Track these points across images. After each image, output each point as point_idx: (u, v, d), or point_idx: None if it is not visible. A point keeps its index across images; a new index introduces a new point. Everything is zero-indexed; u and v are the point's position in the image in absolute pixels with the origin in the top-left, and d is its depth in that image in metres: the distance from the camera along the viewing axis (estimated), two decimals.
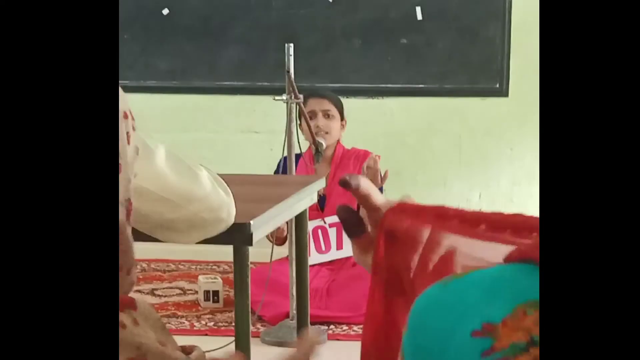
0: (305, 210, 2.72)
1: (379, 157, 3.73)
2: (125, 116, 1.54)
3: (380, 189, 3.87)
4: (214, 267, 4.74)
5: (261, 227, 2.12)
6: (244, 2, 5.06)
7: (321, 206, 3.94)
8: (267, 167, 4.29)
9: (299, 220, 2.75)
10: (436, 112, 5.05)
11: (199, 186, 1.88)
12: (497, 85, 4.97)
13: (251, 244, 2.06)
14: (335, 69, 5.04)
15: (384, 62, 5.01)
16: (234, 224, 1.95)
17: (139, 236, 1.90)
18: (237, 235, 2.04)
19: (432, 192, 5.07)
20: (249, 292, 2.14)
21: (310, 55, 4.83)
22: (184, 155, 1.91)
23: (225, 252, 4.32)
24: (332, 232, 3.95)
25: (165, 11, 5.11)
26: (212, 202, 1.90)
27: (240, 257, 2.10)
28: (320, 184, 2.75)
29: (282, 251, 3.85)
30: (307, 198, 2.61)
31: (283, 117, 3.67)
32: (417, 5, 4.96)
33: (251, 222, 2.05)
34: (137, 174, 1.73)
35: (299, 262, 2.78)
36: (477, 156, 5.07)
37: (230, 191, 1.97)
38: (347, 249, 3.95)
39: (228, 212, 1.95)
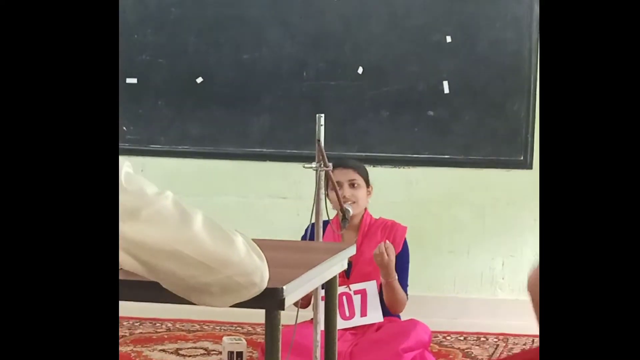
0: (336, 276, 2.80)
1: (386, 250, 3.83)
2: None
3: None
4: (238, 328, 4.81)
5: (293, 292, 2.18)
6: (275, 72, 5.21)
7: (347, 273, 4.02)
8: (294, 232, 4.38)
9: (329, 286, 2.82)
10: (461, 182, 5.14)
11: (234, 251, 1.94)
12: (522, 158, 5.07)
13: (283, 309, 2.11)
14: (363, 138, 5.15)
15: (411, 133, 5.13)
16: (267, 289, 2.01)
17: (165, 297, 1.98)
18: (270, 300, 2.10)
19: (455, 260, 5.14)
20: (280, 356, 2.19)
21: (339, 125, 4.94)
22: (219, 220, 1.99)
23: (250, 314, 4.37)
24: (357, 299, 4.01)
25: (199, 79, 5.27)
26: (246, 266, 1.96)
27: (272, 321, 2.15)
28: (350, 252, 2.83)
29: (306, 314, 3.92)
30: (337, 265, 2.69)
31: (310, 184, 3.76)
32: (445, 80, 5.09)
33: (284, 287, 2.10)
34: (173, 238, 1.82)
35: (328, 328, 2.85)
36: (501, 226, 5.14)
37: (264, 256, 2.03)
38: (371, 316, 4.02)
39: (261, 277, 2.01)
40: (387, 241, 3.91)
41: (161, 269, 1.85)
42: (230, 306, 2.02)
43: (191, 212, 1.87)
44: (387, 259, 3.86)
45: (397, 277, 3.95)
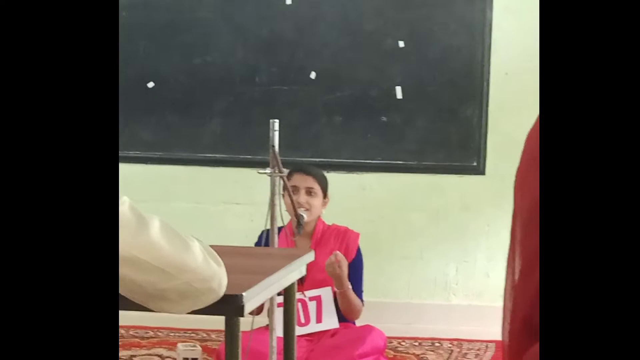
0: (294, 283, 2.79)
1: (337, 261, 3.82)
2: None
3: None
4: (192, 334, 4.77)
5: (253, 299, 2.18)
6: (227, 77, 5.18)
7: (301, 279, 4.00)
8: (247, 238, 4.36)
9: (288, 293, 2.82)
10: (414, 187, 5.15)
11: (191, 257, 1.93)
12: (475, 163, 5.09)
13: (243, 315, 2.11)
14: (316, 143, 5.14)
15: (364, 138, 5.12)
16: (226, 296, 2.00)
17: (120, 304, 1.95)
18: (229, 307, 2.09)
19: (409, 266, 5.15)
20: None
21: (292, 130, 4.92)
22: (175, 226, 1.97)
23: (204, 320, 4.35)
24: (312, 306, 4.00)
25: (151, 84, 5.21)
26: (204, 272, 1.95)
27: (232, 328, 2.15)
28: (308, 258, 2.82)
29: (259, 320, 3.90)
30: (296, 271, 2.68)
31: (264, 189, 3.74)
32: (397, 85, 5.09)
33: (243, 294, 2.10)
34: (130, 243, 1.79)
35: (287, 334, 2.84)
36: (454, 232, 5.15)
37: (221, 262, 2.02)
38: (327, 323, 4.00)
39: (219, 283, 2.00)
40: (338, 252, 3.89)
41: (121, 277, 1.82)
42: (190, 313, 2.01)
43: (147, 217, 1.86)
44: (338, 269, 3.85)
45: (350, 286, 3.93)
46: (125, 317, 4.24)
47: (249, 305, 2.14)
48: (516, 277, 1.11)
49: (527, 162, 1.11)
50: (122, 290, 1.90)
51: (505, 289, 1.18)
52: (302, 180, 4.06)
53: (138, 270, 1.83)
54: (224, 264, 2.04)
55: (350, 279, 3.96)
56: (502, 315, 1.17)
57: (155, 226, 1.86)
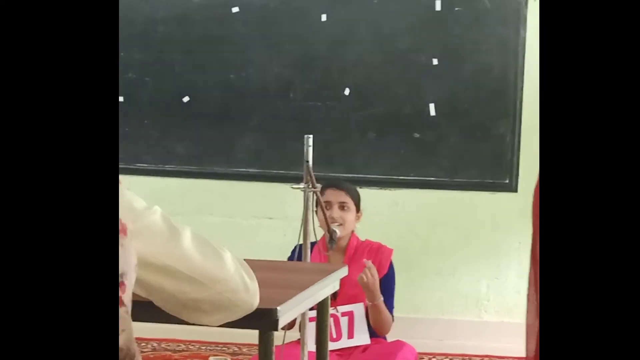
0: (328, 297, 2.79)
1: (370, 271, 3.83)
2: (125, 232, 1.61)
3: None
4: (223, 348, 4.80)
5: (287, 313, 2.18)
6: (262, 92, 5.22)
7: (334, 295, 4.01)
8: (280, 253, 4.38)
9: (321, 308, 2.82)
10: (446, 204, 5.16)
11: (223, 267, 1.93)
12: (507, 181, 5.09)
13: (277, 329, 2.11)
14: (349, 159, 5.16)
15: (397, 155, 5.14)
16: (261, 310, 2.00)
17: (151, 316, 1.97)
18: (263, 321, 2.09)
19: (441, 281, 5.15)
20: None
21: (326, 146, 4.95)
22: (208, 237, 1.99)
23: (236, 334, 4.38)
24: (344, 321, 4.00)
25: (186, 98, 5.27)
26: (236, 283, 1.95)
27: (266, 342, 2.15)
28: (342, 273, 2.84)
29: (291, 334, 3.92)
30: (329, 286, 2.69)
31: (297, 204, 3.76)
32: (431, 102, 5.11)
33: (278, 308, 2.10)
34: (163, 253, 1.81)
35: (320, 349, 2.84)
36: (486, 248, 5.15)
37: (253, 275, 2.03)
38: (358, 338, 4.01)
39: (252, 295, 2.00)
40: (370, 262, 3.90)
41: (151, 283, 1.83)
42: (224, 326, 2.01)
43: (180, 227, 1.87)
44: (371, 281, 3.85)
45: (382, 298, 3.94)
46: (157, 330, 4.30)
47: (283, 320, 2.14)
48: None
49: None
50: (156, 300, 1.90)
51: (529, 308, 1.20)
52: (335, 195, 4.07)
53: (171, 279, 1.83)
54: (258, 277, 2.05)
55: (381, 293, 3.97)
56: (525, 332, 1.19)
57: (187, 236, 1.87)
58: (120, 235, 1.53)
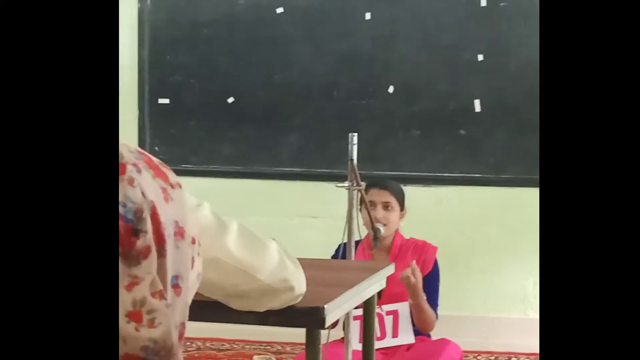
0: (374, 296, 2.79)
1: (412, 271, 3.80)
2: (193, 242, 1.63)
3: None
4: (267, 347, 4.82)
5: (334, 311, 2.17)
6: (306, 92, 5.23)
7: (378, 293, 4.01)
8: (324, 252, 4.38)
9: (368, 306, 2.82)
10: (492, 201, 5.13)
11: (269, 257, 1.96)
12: None
13: (324, 328, 2.11)
14: (394, 157, 5.16)
15: (442, 152, 5.13)
16: (308, 308, 2.02)
17: (195, 315, 1.99)
18: (311, 319, 2.10)
19: (486, 279, 5.13)
20: None
21: (370, 144, 4.95)
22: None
23: (279, 333, 4.39)
24: (389, 320, 4.00)
25: (231, 99, 5.30)
26: (282, 272, 1.99)
27: (313, 340, 2.14)
28: (389, 271, 2.83)
29: (334, 333, 3.92)
30: (376, 284, 2.69)
31: (341, 203, 3.76)
32: (476, 98, 5.09)
33: (325, 306, 2.10)
34: (212, 246, 1.83)
35: (366, 348, 2.84)
36: (532, 246, 5.11)
37: (299, 264, 2.06)
38: (402, 338, 4.00)
39: (298, 283, 2.03)
40: (414, 262, 3.88)
41: (203, 279, 1.85)
42: (271, 324, 2.03)
43: (227, 221, 1.90)
44: (414, 280, 3.84)
45: (425, 297, 3.92)
46: (202, 330, 4.32)
47: (330, 318, 2.14)
48: None
49: None
50: (204, 291, 1.92)
51: None
52: (379, 195, 4.06)
53: (220, 272, 1.86)
54: (305, 275, 2.07)
55: (425, 291, 3.95)
56: None
57: (234, 229, 1.89)
58: (178, 238, 1.55)
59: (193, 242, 1.60)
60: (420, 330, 4.03)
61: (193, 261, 1.60)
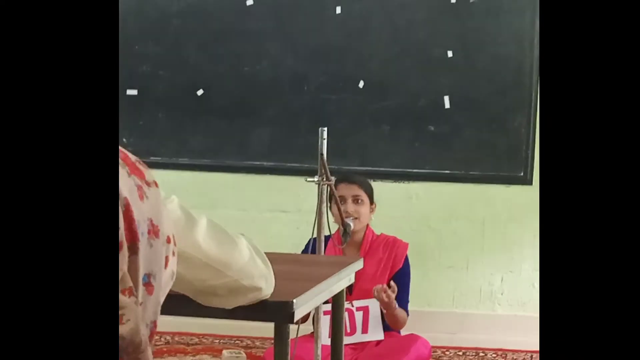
0: (343, 290, 2.79)
1: (384, 290, 3.81)
2: (168, 241, 1.61)
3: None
4: (237, 341, 4.81)
5: (303, 306, 2.17)
6: (276, 85, 5.21)
7: (349, 289, 4.01)
8: (294, 246, 4.38)
9: (336, 301, 2.82)
10: (461, 197, 5.15)
11: (238, 254, 1.95)
12: (522, 173, 5.07)
13: (293, 322, 2.11)
14: (363, 152, 5.15)
15: (411, 148, 5.13)
16: (277, 302, 2.01)
17: (163, 309, 1.98)
18: (279, 313, 2.09)
19: (455, 274, 5.14)
20: None
21: (340, 139, 4.94)
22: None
23: (249, 327, 4.38)
24: (359, 316, 4.00)
25: (200, 91, 5.27)
26: (251, 269, 1.97)
27: (281, 335, 2.15)
28: (357, 266, 2.83)
29: (303, 328, 3.92)
30: (345, 279, 2.68)
31: (311, 198, 3.76)
32: (445, 94, 5.09)
33: (294, 300, 2.10)
34: (180, 240, 1.81)
35: (334, 342, 2.84)
36: (500, 242, 5.14)
37: (268, 261, 2.05)
38: (372, 334, 4.01)
39: (267, 281, 2.02)
40: (392, 284, 3.88)
41: None
42: (240, 319, 2.02)
43: (196, 216, 1.88)
44: (386, 300, 3.85)
45: (397, 305, 3.92)
46: (171, 324, 4.31)
47: (299, 312, 2.14)
48: None
49: None
50: (173, 286, 1.91)
51: None
52: (348, 189, 4.07)
53: (188, 267, 1.84)
54: (274, 270, 2.06)
55: (397, 288, 3.96)
56: None
57: (203, 224, 1.88)
58: (152, 237, 1.53)
59: (168, 241, 1.59)
60: (392, 327, 4.04)
61: (167, 260, 1.59)
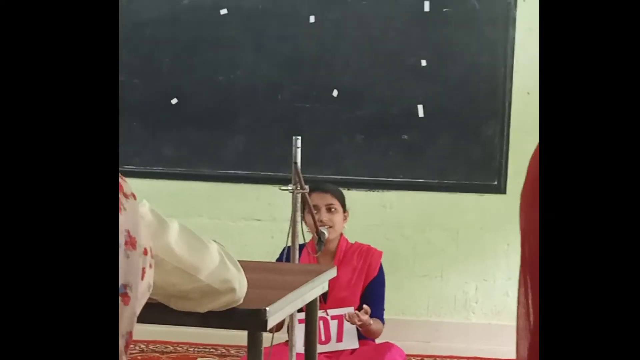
0: (317, 298, 2.80)
1: (356, 315, 3.82)
2: (145, 252, 1.61)
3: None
4: (211, 349, 4.79)
5: (276, 314, 2.18)
6: (250, 94, 5.21)
7: (324, 297, 4.01)
8: (269, 254, 4.38)
9: (310, 309, 2.82)
10: (435, 206, 5.16)
11: (209, 257, 1.95)
12: (495, 182, 5.09)
13: (266, 330, 2.12)
14: (337, 161, 5.16)
15: (385, 157, 5.14)
16: (250, 310, 2.01)
17: (139, 318, 1.97)
18: (253, 321, 2.10)
19: (429, 283, 5.15)
20: None
21: (314, 148, 4.95)
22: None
23: (223, 336, 4.37)
24: (333, 324, 4.00)
25: (174, 101, 5.26)
26: (222, 273, 1.98)
27: (255, 343, 2.15)
28: (331, 274, 2.83)
29: (278, 336, 3.91)
30: (318, 287, 2.69)
31: (285, 206, 3.75)
32: (419, 103, 5.11)
33: (267, 308, 2.10)
34: (154, 245, 1.81)
35: (308, 350, 2.84)
36: (474, 250, 5.16)
37: (240, 266, 2.05)
38: (347, 342, 4.01)
39: (240, 285, 2.03)
40: (364, 306, 3.88)
41: None
42: (213, 327, 2.01)
43: (168, 220, 1.88)
44: (359, 322, 3.85)
45: (371, 322, 3.93)
46: (145, 332, 4.29)
47: (272, 320, 2.14)
48: (531, 316, 1.14)
49: (533, 184, 1.14)
50: None
51: (519, 311, 1.20)
52: (322, 198, 4.08)
53: (160, 271, 1.84)
54: (246, 278, 2.06)
55: (371, 298, 3.97)
56: (516, 335, 1.19)
57: (174, 228, 1.88)
58: (129, 248, 1.53)
59: (145, 252, 1.59)
60: (367, 337, 4.04)
61: (144, 272, 1.59)
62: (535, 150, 1.16)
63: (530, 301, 1.16)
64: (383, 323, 4.05)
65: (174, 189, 5.24)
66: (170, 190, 5.22)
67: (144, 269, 1.59)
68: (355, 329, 4.00)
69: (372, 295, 3.98)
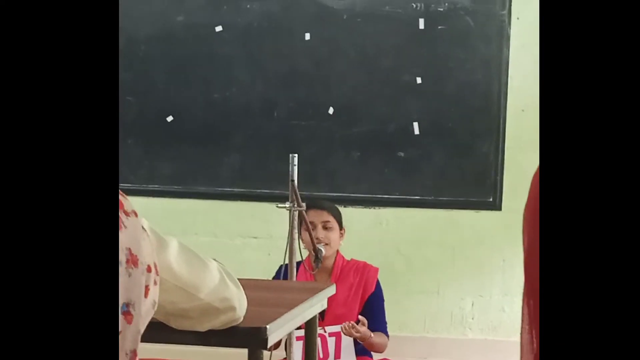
0: (316, 316, 2.80)
1: (352, 327, 3.82)
2: (149, 270, 1.61)
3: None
4: None
5: (276, 332, 2.18)
6: (246, 111, 5.22)
7: (321, 315, 4.01)
8: (265, 271, 4.37)
9: (309, 327, 2.82)
10: (430, 223, 5.17)
11: (209, 276, 1.95)
12: (491, 199, 5.11)
13: (266, 348, 2.12)
14: (333, 178, 5.17)
15: (381, 174, 5.15)
16: (250, 328, 2.01)
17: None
18: (253, 339, 2.10)
19: (425, 299, 5.15)
20: None
21: (310, 165, 4.95)
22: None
23: (221, 354, 4.35)
24: (331, 342, 4.00)
25: (170, 118, 5.26)
26: (222, 292, 1.97)
27: None
28: (330, 291, 2.84)
29: (276, 353, 3.91)
30: (317, 305, 2.69)
31: (281, 224, 3.76)
32: (415, 121, 5.12)
33: (267, 326, 2.10)
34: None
35: None
36: (470, 266, 5.16)
37: (240, 285, 2.05)
38: (345, 359, 4.00)
39: (239, 303, 2.02)
40: (360, 318, 3.88)
41: None
42: (214, 345, 2.01)
43: (167, 238, 1.87)
44: (355, 334, 3.85)
45: (372, 335, 3.93)
46: (144, 351, 4.25)
47: (272, 338, 2.14)
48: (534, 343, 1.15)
49: (536, 200, 1.15)
50: None
51: (523, 328, 1.21)
52: (318, 216, 4.08)
53: (159, 290, 1.84)
54: (247, 296, 2.05)
55: (372, 313, 3.97)
56: (520, 351, 1.19)
57: (174, 246, 1.87)
58: (130, 266, 1.53)
59: (149, 270, 1.59)
60: (372, 352, 4.05)
61: (147, 289, 1.58)
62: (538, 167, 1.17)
63: (534, 330, 1.17)
64: (387, 336, 4.05)
65: (170, 207, 5.24)
66: (166, 208, 5.22)
67: (147, 286, 1.59)
68: (352, 346, 4.00)
69: (373, 310, 3.98)
